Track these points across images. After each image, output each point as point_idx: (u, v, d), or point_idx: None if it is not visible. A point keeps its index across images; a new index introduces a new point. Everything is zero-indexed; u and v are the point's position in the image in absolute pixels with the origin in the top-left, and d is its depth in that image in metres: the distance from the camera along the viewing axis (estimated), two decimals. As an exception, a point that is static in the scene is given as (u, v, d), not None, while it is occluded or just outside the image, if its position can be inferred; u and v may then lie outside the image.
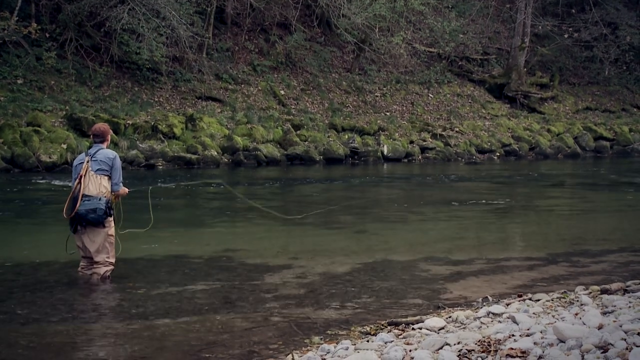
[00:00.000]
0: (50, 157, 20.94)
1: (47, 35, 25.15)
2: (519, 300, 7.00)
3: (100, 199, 7.94)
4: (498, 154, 30.43)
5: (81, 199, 7.95)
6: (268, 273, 8.70)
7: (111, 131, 8.55)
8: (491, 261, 9.54)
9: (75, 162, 8.31)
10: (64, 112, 23.52)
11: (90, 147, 8.45)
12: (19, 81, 24.32)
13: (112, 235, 8.13)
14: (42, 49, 25.03)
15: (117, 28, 24.88)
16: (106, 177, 8.09)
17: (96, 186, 8.02)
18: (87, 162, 8.13)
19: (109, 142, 8.41)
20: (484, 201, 16.29)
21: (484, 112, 34.16)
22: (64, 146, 21.49)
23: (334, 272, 8.81)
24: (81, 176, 8.07)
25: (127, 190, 8.44)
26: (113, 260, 8.19)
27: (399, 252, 10.24)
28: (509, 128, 32.65)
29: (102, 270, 8.07)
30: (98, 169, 8.06)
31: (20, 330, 6.39)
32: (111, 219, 8.10)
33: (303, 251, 10.13)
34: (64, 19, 25.83)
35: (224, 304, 7.29)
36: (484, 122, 32.96)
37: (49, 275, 8.47)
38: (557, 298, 6.99)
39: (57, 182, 17.97)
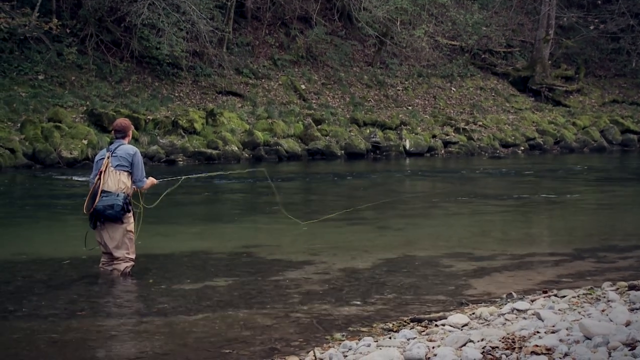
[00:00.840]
0: (71, 153, 21.09)
1: (68, 30, 25.32)
2: (544, 297, 6.94)
3: (118, 195, 7.97)
4: (522, 148, 30.22)
5: (100, 195, 7.99)
6: (289, 269, 8.71)
7: (133, 127, 8.57)
8: (516, 257, 9.48)
9: (96, 158, 8.38)
10: (85, 108, 23.67)
11: (111, 143, 8.50)
12: (40, 77, 24.51)
13: (131, 231, 8.16)
14: (62, 45, 25.21)
15: (137, 23, 24.99)
16: (126, 173, 8.11)
17: (115, 182, 8.06)
18: (108, 157, 8.17)
19: (130, 137, 8.43)
20: (507, 196, 16.18)
21: (508, 105, 33.93)
22: (85, 142, 21.63)
23: (355, 268, 8.80)
24: (101, 172, 8.11)
25: (154, 181, 8.44)
26: (133, 256, 8.22)
27: (421, 247, 10.21)
28: (533, 122, 32.40)
29: (122, 266, 8.11)
30: (117, 165, 8.09)
31: (41, 327, 6.43)
32: (130, 215, 8.12)
33: (324, 247, 10.12)
34: (84, 14, 25.99)
35: (245, 300, 7.30)
36: (508, 115, 32.74)
37: (69, 271, 8.53)
38: (583, 294, 6.92)
39: (77, 178, 18.09)
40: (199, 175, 11.49)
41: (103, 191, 8.02)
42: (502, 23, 37.11)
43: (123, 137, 8.32)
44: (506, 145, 30.01)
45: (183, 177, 9.26)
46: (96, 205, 7.96)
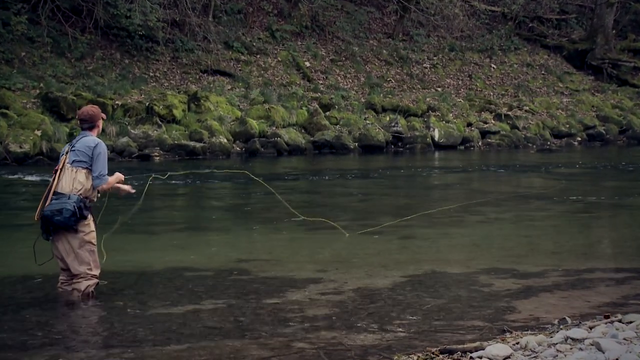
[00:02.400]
0: (21, 147, 21.18)
1: (17, -5, 25.42)
2: (606, 323, 6.95)
3: (69, 197, 7.97)
4: (579, 139, 30.21)
5: (51, 198, 8.02)
6: (291, 288, 8.73)
7: (103, 115, 8.57)
8: (570, 273, 9.48)
9: (60, 154, 8.40)
10: (38, 91, 23.77)
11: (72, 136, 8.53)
12: (-17, 53, 24.62)
13: (90, 242, 8.15)
14: (9, 13, 25.30)
15: (102, -14, 25.09)
16: (84, 171, 8.09)
17: (69, 182, 8.06)
18: (67, 153, 8.19)
19: (100, 129, 8.44)
20: (560, 198, 16.17)
21: (561, 86, 33.91)
22: (38, 133, 21.71)
23: (372, 287, 8.82)
24: (56, 170, 8.14)
25: (121, 177, 8.40)
26: (97, 273, 8.24)
27: (453, 262, 10.21)
28: (593, 106, 32.37)
29: (83, 285, 8.13)
30: (74, 161, 8.10)
31: (-14, 360, 6.47)
32: (87, 222, 8.08)
33: (334, 261, 10.13)
34: (37, -25, 26.09)
35: (236, 327, 7.33)
36: (561, 98, 32.72)
37: (21, 292, 8.56)
38: (654, 319, 6.93)
39: (30, 178, 18.16)
40: (184, 172, 11.50)
41: (55, 193, 8.03)
42: (555, -16, 37.08)
43: (90, 129, 8.34)
44: (559, 136, 30.01)
45: (169, 173, 9.25)
46: (44, 210, 7.98)
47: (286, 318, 7.61)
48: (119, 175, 8.44)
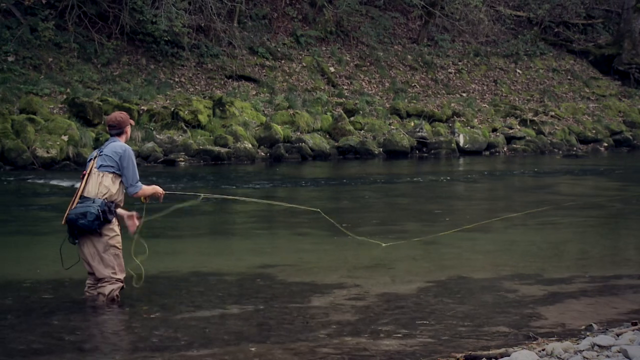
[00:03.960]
0: (48, 152, 21.30)
1: (44, 1, 25.60)
2: (633, 330, 6.90)
3: (94, 201, 8.03)
4: (605, 145, 30.02)
5: (77, 202, 8.08)
6: (315, 294, 8.73)
7: (132, 121, 8.60)
8: (597, 279, 9.43)
9: (88, 159, 8.47)
10: (65, 97, 23.93)
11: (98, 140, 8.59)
12: (10, 58, 24.81)
13: (115, 246, 8.18)
14: (37, 19, 25.50)
15: (128, -8, 25.21)
16: (110, 175, 8.15)
17: (95, 186, 8.12)
18: (95, 158, 8.26)
19: (128, 135, 8.48)
20: (586, 204, 16.08)
21: (588, 91, 33.72)
22: (65, 138, 21.84)
23: (396, 292, 8.81)
24: (84, 175, 8.21)
25: (158, 190, 8.43)
26: (121, 277, 8.27)
27: (478, 267, 10.18)
28: (620, 111, 32.18)
29: (108, 289, 8.16)
30: (101, 166, 8.16)
31: (13, 364, 6.52)
32: (111, 225, 8.13)
33: (358, 267, 10.13)
34: (64, -19, 26.27)
35: (261, 332, 7.33)
36: (588, 104, 32.54)
37: (47, 296, 8.61)
38: (682, 326, 6.87)
39: (57, 183, 18.26)
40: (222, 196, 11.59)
41: (81, 197, 8.10)
42: (580, -12, 36.89)
43: (119, 135, 8.40)
44: (585, 141, 29.84)
45: (202, 195, 9.22)
46: (68, 213, 8.04)
47: (310, 323, 7.61)
48: (156, 188, 8.46)
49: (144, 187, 8.31)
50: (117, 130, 8.39)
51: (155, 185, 8.55)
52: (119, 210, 8.35)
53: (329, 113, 26.88)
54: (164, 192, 8.52)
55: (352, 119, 26.93)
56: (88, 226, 8.00)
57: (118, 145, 8.28)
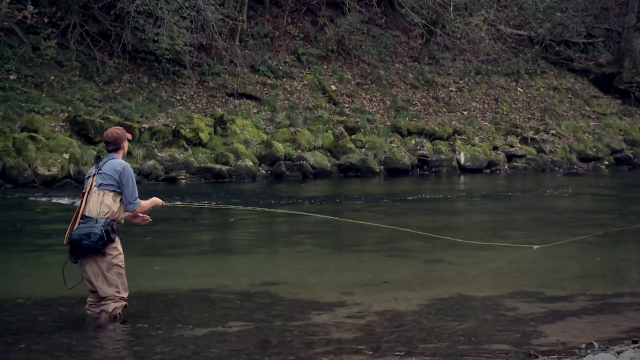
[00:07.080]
0: (49, 170, 21.34)
1: (46, 20, 25.72)
2: (634, 347, 6.90)
3: (97, 221, 8.01)
4: (606, 163, 30.04)
5: (79, 222, 8.06)
6: (316, 311, 8.73)
7: (129, 136, 8.60)
8: (598, 297, 9.42)
9: (86, 176, 8.45)
10: (66, 115, 23.98)
11: (99, 158, 8.60)
12: (12, 76, 24.89)
13: (118, 265, 8.18)
14: (39, 37, 25.59)
15: (130, 10, 25.33)
16: (111, 194, 8.14)
17: (96, 205, 8.10)
18: (93, 176, 8.24)
19: (125, 150, 8.47)
20: (586, 222, 16.08)
21: (588, 109, 33.78)
22: (66, 156, 21.88)
23: (397, 310, 8.81)
24: (84, 193, 8.19)
25: (158, 202, 8.47)
26: (125, 295, 8.27)
27: (479, 285, 10.18)
28: (620, 129, 32.23)
29: (111, 307, 8.16)
30: (101, 184, 8.14)
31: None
32: (114, 244, 8.13)
33: (359, 284, 10.13)
34: (66, 0, 26.37)
35: (262, 350, 7.34)
36: (588, 122, 32.59)
37: (49, 315, 8.61)
38: (682, 344, 6.87)
39: (58, 200, 18.29)
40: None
41: (83, 217, 8.08)
42: (581, 7, 37.03)
43: (116, 150, 8.39)
44: (586, 159, 29.86)
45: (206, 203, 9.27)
46: (71, 234, 8.02)
47: (312, 341, 7.61)
48: (155, 200, 8.49)
49: (142, 202, 8.32)
50: (113, 146, 8.38)
51: (155, 197, 8.57)
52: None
53: (330, 131, 26.93)
54: (163, 203, 8.55)
55: (353, 136, 26.97)
56: (92, 247, 7.98)
57: (117, 162, 8.27)
